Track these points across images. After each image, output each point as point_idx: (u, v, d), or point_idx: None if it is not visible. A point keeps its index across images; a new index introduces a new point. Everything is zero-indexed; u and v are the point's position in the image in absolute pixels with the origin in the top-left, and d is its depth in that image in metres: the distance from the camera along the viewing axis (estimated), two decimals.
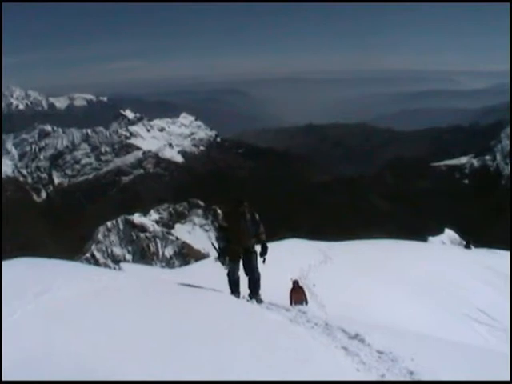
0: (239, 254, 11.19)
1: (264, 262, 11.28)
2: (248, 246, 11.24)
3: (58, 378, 4.49)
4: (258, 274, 11.37)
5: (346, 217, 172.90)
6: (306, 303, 13.78)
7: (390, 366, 6.27)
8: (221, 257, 11.24)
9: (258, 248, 11.35)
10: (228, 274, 11.50)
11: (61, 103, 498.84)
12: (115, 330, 6.20)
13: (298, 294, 13.03)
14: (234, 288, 11.54)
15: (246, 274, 11.40)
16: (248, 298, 11.30)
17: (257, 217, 11.33)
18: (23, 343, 5.31)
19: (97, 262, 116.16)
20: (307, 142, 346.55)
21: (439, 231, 56.61)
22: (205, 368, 5.49)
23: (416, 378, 5.80)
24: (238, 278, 11.49)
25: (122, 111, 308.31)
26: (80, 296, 7.66)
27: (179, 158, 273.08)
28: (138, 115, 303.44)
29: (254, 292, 11.37)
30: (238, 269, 11.34)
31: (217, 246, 11.37)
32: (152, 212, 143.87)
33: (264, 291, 11.25)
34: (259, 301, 11.03)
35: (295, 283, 13.23)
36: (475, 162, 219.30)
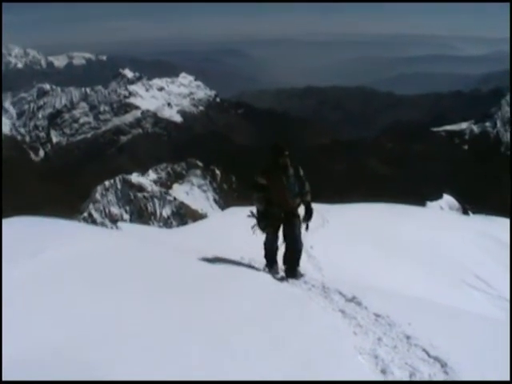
0: (280, 218, 9.47)
1: (307, 228, 9.69)
2: (291, 209, 9.52)
3: (45, 368, 4.37)
4: (301, 245, 9.67)
5: (344, 180, 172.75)
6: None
7: (387, 330, 6.31)
8: (261, 222, 9.52)
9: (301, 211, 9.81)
10: (265, 244, 9.93)
11: (60, 62, 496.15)
12: (112, 302, 6.10)
13: None
14: (272, 261, 10.06)
15: (286, 243, 9.66)
16: (283, 275, 9.81)
17: (301, 172, 9.55)
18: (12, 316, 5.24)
19: (94, 222, 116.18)
20: (306, 104, 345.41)
21: (437, 196, 56.65)
22: (203, 331, 5.50)
23: (413, 342, 5.83)
24: (276, 249, 9.82)
25: (121, 70, 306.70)
26: (77, 257, 7.62)
27: (178, 118, 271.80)
28: (137, 74, 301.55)
29: (293, 267, 9.74)
30: (277, 237, 9.70)
31: (255, 210, 9.65)
32: (150, 172, 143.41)
33: (259, 253, 10.85)
34: (299, 276, 9.64)
35: None
36: (475, 128, 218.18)
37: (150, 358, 4.66)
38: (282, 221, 9.47)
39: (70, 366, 4.39)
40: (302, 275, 9.64)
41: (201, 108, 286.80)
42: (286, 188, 9.23)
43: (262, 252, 10.15)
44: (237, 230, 14.54)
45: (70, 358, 4.52)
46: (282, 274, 9.90)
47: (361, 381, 5.18)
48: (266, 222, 9.46)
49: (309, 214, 9.64)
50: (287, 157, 9.18)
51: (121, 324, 5.41)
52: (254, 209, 9.72)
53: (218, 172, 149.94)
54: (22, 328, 5.08)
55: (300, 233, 9.58)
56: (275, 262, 10.03)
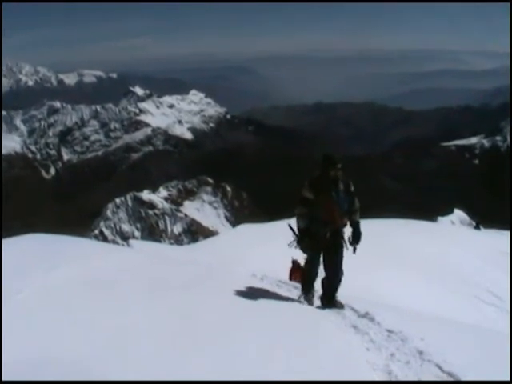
0: (325, 239, 8.22)
1: (354, 251, 8.46)
2: (338, 228, 8.31)
3: (57, 375, 4.39)
4: (342, 273, 8.52)
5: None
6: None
7: (400, 346, 6.30)
8: (302, 241, 8.35)
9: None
10: (305, 267, 8.86)
11: (70, 79, 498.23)
12: (122, 318, 6.10)
13: (297, 273, 12.80)
14: (308, 289, 8.95)
15: (325, 268, 8.48)
16: (319, 304, 8.84)
17: (352, 188, 8.42)
18: (26, 332, 5.29)
19: (105, 239, 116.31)
20: (316, 120, 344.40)
21: (448, 211, 56.26)
22: (214, 349, 5.49)
23: (426, 358, 5.82)
24: (316, 275, 8.68)
25: (131, 88, 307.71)
26: (88, 274, 7.64)
27: (189, 135, 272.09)
28: (147, 92, 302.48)
29: (330, 296, 8.64)
30: (319, 261, 8.47)
31: (296, 227, 8.46)
32: (161, 189, 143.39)
33: (271, 270, 10.76)
34: (339, 306, 8.55)
35: (294, 262, 12.57)
36: (485, 143, 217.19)
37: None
38: (326, 242, 8.28)
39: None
40: (342, 306, 8.57)
41: (211, 125, 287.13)
42: (336, 204, 8.16)
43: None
44: (248, 247, 14.52)
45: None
46: (317, 302, 8.93)
47: (361, 381, 5.19)
48: (307, 241, 8.32)
49: (357, 236, 8.47)
50: (340, 170, 8.16)
51: (126, 339, 5.43)
52: (293, 224, 8.61)
53: (228, 189, 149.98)
54: (26, 334, 5.15)
55: (342, 259, 8.48)
56: (312, 289, 9.00)
